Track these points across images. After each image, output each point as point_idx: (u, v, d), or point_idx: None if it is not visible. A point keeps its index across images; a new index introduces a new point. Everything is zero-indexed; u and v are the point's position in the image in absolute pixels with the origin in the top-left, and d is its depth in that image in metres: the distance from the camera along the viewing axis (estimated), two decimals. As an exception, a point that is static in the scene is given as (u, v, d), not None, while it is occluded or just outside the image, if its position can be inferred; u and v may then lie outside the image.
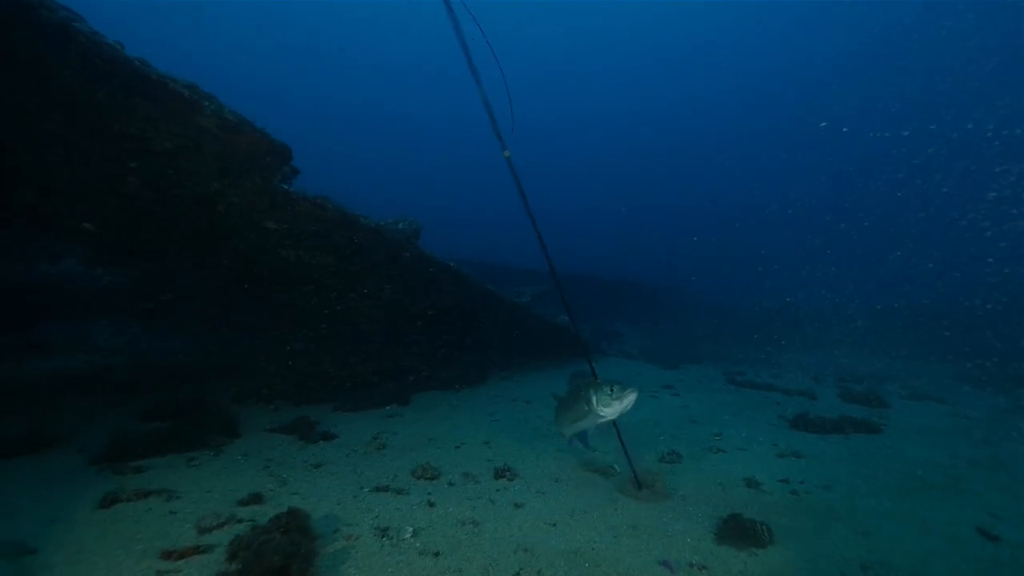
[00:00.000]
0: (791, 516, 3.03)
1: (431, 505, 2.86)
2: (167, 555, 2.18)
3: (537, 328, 8.44)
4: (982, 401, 7.84)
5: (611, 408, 2.90)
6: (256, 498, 2.76)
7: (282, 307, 8.51)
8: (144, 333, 8.68)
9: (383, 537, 2.45)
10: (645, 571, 2.32)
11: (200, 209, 4.76)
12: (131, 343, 8.14)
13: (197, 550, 2.22)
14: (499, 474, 3.41)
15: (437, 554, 2.33)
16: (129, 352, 7.74)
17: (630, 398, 2.91)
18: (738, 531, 2.69)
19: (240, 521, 2.48)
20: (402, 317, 7.61)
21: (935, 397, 7.57)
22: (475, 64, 2.77)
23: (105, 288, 8.21)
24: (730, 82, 42.41)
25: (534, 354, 8.96)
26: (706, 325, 16.43)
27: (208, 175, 4.34)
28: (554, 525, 2.75)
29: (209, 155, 4.14)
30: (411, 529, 2.53)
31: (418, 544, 2.41)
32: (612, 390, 2.93)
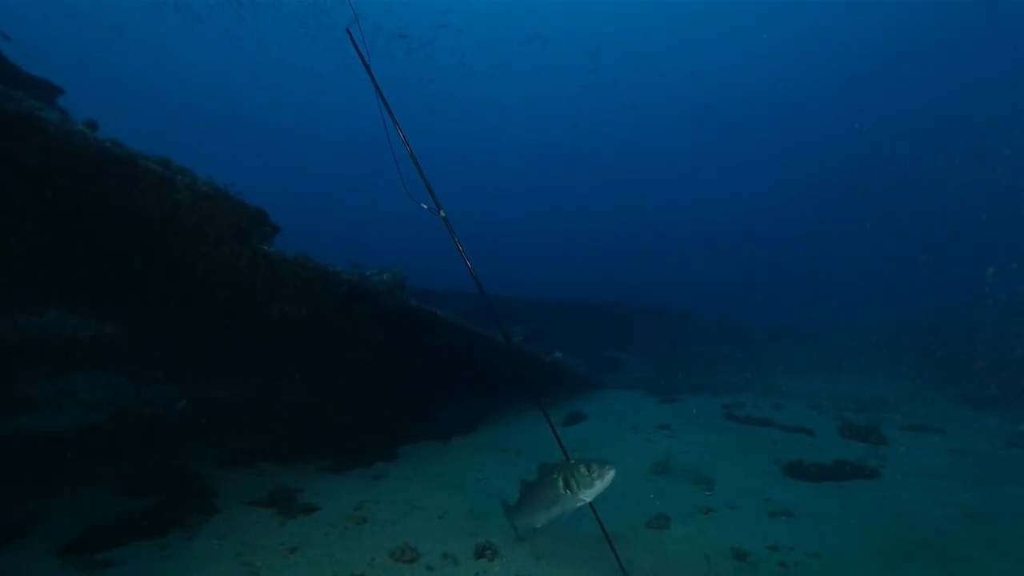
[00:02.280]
0: (781, 594, 2.92)
1: (406, 597, 2.76)
2: None
3: (529, 368, 8.36)
4: (983, 427, 7.73)
5: (592, 490, 2.81)
6: (223, 598, 2.66)
7: (266, 356, 8.45)
8: (130, 383, 8.58)
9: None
10: None
11: (180, 271, 4.75)
12: (116, 394, 8.04)
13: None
14: (480, 553, 3.30)
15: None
16: (115, 404, 7.64)
17: (609, 475, 2.83)
18: (724, 620, 2.59)
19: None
20: (388, 366, 7.55)
21: (935, 428, 7.46)
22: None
23: (89, 339, 8.15)
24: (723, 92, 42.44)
25: (527, 395, 8.86)
26: (708, 348, 16.30)
27: (186, 242, 4.34)
28: (532, 619, 2.64)
29: (185, 225, 4.14)
30: (381, 634, 2.43)
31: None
32: (590, 470, 2.85)
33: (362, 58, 2.25)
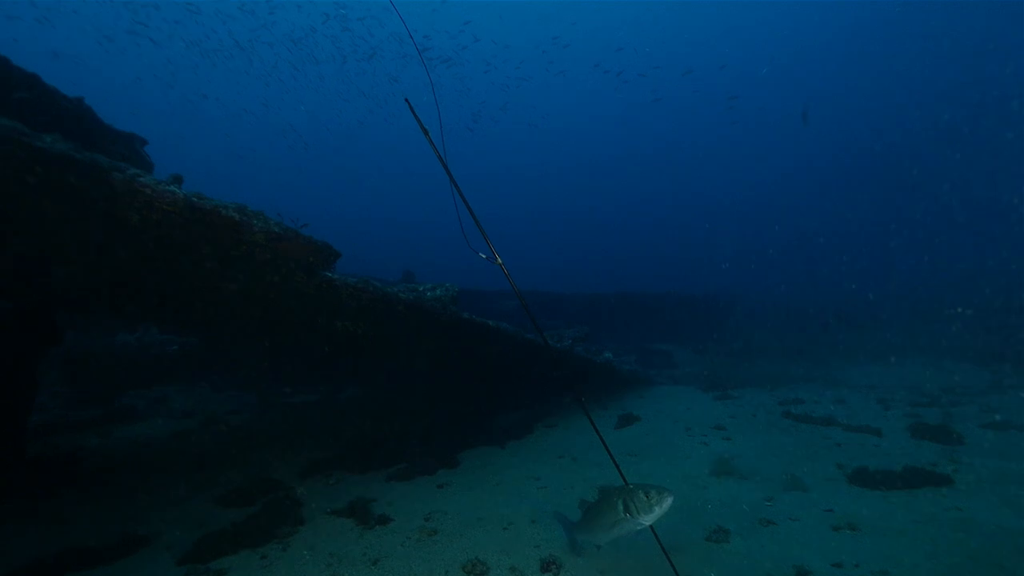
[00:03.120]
0: (847, 616, 2.94)
1: (480, 612, 3.00)
2: None
3: (580, 370, 8.48)
4: (1076, 424, 7.16)
5: (651, 515, 2.94)
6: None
7: (333, 368, 9.01)
8: (213, 391, 9.40)
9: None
10: None
11: (255, 296, 5.20)
12: (204, 403, 8.84)
13: None
14: (545, 567, 3.51)
15: None
16: (203, 412, 8.40)
17: (668, 502, 2.95)
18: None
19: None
20: (444, 372, 7.88)
21: (1018, 425, 6.99)
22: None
23: (176, 354, 8.97)
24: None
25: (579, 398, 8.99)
26: (760, 335, 15.78)
27: (260, 275, 4.74)
28: (600, 636, 2.82)
29: (260, 260, 4.53)
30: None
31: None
32: (648, 496, 2.97)
33: (423, 127, 2.43)
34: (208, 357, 8.99)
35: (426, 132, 2.39)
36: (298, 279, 4.87)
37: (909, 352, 13.70)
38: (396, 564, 3.59)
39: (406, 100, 2.49)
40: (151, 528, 4.22)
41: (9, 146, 2.90)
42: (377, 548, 3.84)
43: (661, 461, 5.90)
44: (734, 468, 5.53)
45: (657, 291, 17.63)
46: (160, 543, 3.95)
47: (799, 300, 19.52)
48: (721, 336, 15.64)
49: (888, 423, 7.34)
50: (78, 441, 6.70)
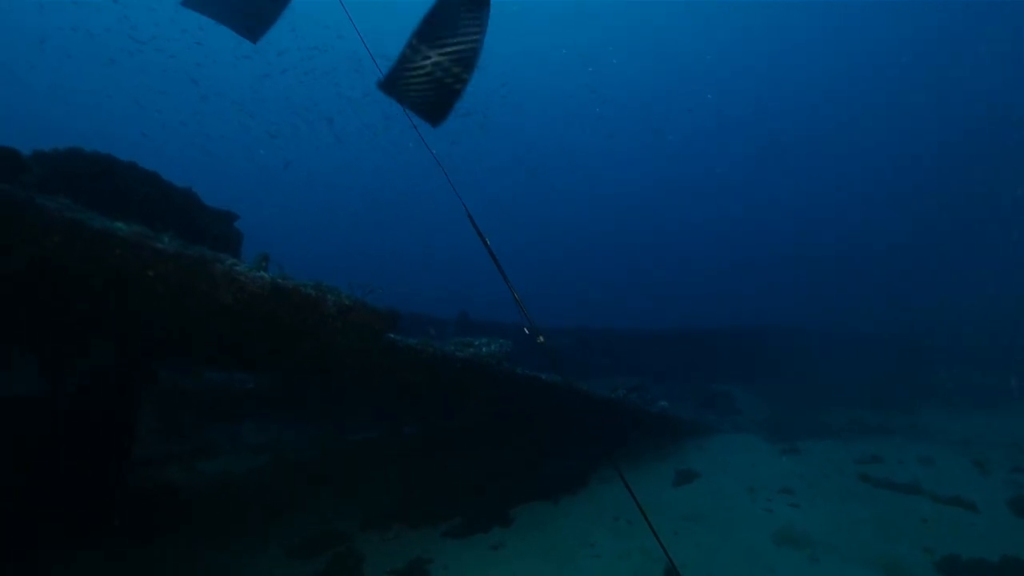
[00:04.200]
0: None
1: None
2: None
3: (633, 421, 8.34)
4: None
5: None
6: None
7: (394, 407, 9.40)
8: (284, 428, 10.03)
9: None
10: None
11: (326, 355, 5.62)
12: (273, 438, 9.45)
13: None
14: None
15: None
16: (274, 448, 8.97)
17: None
18: None
19: None
20: (497, 421, 8.02)
21: None
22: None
23: (252, 391, 9.69)
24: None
25: (633, 447, 8.83)
26: (829, 373, 14.67)
27: (331, 338, 5.14)
28: None
29: (332, 328, 4.92)
30: None
31: None
32: None
33: (461, 201, 2.65)
34: (279, 395, 9.65)
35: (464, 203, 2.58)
36: (365, 341, 5.22)
37: (1012, 396, 12.29)
38: (453, 639, 3.67)
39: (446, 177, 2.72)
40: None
41: (138, 249, 3.41)
42: (434, 619, 3.95)
43: (720, 529, 5.65)
44: (802, 542, 5.21)
45: (715, 326, 16.96)
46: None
47: (873, 330, 18.01)
48: (785, 374, 14.74)
49: (985, 493, 6.63)
50: (166, 474, 7.36)
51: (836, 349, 16.56)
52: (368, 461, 8.12)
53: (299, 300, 4.39)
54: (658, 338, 14.98)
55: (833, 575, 4.58)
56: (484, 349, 6.30)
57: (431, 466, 7.71)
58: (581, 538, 5.44)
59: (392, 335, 5.42)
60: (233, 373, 9.89)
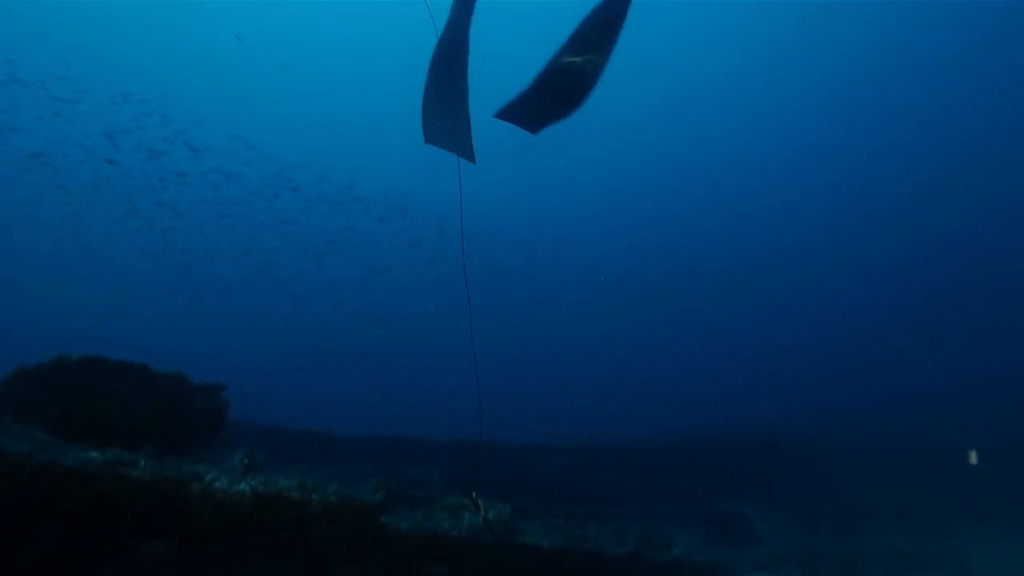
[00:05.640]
0: None
1: None
2: None
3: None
4: None
5: None
6: None
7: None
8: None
9: None
10: None
11: (317, 543, 5.33)
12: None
13: None
14: None
15: None
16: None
17: None
18: None
19: None
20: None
21: None
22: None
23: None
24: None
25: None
26: (863, 488, 13.46)
27: (320, 528, 4.90)
28: None
29: (321, 521, 4.71)
30: None
31: None
32: None
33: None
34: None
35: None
36: (353, 528, 4.97)
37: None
38: None
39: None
40: None
41: (110, 481, 3.35)
42: None
43: None
44: None
45: (722, 432, 16.21)
46: None
47: (912, 435, 16.88)
48: (808, 491, 13.75)
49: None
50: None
51: (856, 456, 15.53)
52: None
53: (283, 502, 4.25)
54: (662, 450, 14.25)
55: None
56: (484, 516, 6.00)
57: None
58: None
59: (385, 519, 5.20)
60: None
